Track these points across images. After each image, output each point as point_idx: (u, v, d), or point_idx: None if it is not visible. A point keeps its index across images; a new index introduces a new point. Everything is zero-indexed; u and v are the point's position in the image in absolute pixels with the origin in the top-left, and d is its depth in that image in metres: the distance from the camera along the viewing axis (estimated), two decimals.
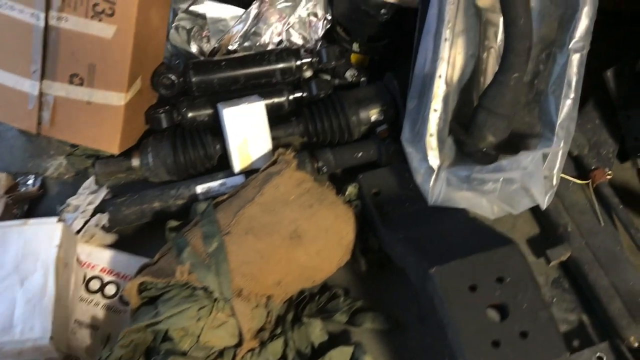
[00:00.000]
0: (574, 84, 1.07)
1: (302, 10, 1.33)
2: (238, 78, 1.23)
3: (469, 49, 1.15)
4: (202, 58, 1.30)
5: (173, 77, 1.21)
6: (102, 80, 1.12)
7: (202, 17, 1.28)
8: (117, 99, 1.13)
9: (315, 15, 1.34)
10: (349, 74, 1.31)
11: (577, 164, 1.23)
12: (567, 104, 1.07)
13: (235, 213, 1.04)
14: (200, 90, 1.23)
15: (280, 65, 1.25)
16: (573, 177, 1.21)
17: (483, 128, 1.09)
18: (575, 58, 1.06)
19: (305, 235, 1.04)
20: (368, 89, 1.28)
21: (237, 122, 1.17)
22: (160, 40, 1.23)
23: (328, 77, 1.31)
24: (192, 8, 1.27)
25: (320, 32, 1.34)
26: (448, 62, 1.08)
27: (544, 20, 1.12)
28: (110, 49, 1.10)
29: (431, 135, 1.09)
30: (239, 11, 1.28)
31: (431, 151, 1.09)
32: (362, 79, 1.33)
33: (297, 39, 1.33)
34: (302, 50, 1.30)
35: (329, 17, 1.33)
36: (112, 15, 1.08)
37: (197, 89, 1.23)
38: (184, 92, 1.24)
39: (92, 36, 1.09)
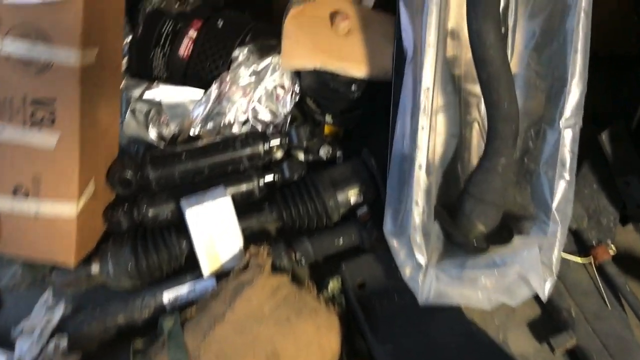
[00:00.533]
0: (568, 163, 0.97)
1: (268, 83, 1.23)
2: (201, 169, 1.13)
3: (449, 129, 1.06)
4: (162, 145, 1.20)
5: (130, 175, 1.11)
6: (50, 191, 1.01)
7: (159, 103, 1.17)
8: (69, 209, 1.02)
9: (283, 87, 1.23)
10: (324, 152, 1.20)
11: (576, 238, 1.13)
12: (562, 186, 0.97)
13: (205, 334, 0.94)
14: (161, 185, 1.12)
15: (247, 151, 1.14)
16: (573, 253, 1.11)
17: (472, 217, 0.99)
18: (568, 135, 0.97)
19: (284, 354, 0.94)
20: (344, 167, 1.18)
21: (202, 222, 1.06)
22: (113, 137, 1.12)
23: (301, 156, 1.21)
24: (147, 95, 1.16)
25: (289, 106, 1.24)
26: (427, 149, 0.98)
27: (530, 94, 1.02)
28: (55, 157, 0.99)
29: (415, 229, 0.99)
30: (198, 93, 1.18)
31: (416, 247, 0.99)
32: (338, 153, 1.23)
33: (264, 115, 1.23)
34: (269, 131, 1.20)
35: (297, 90, 1.23)
36: (53, 122, 0.97)
37: (157, 185, 1.12)
38: (143, 186, 1.14)
39: (33, 146, 0.98)
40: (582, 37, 0.93)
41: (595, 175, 1.18)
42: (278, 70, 1.22)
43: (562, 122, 0.96)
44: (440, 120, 1.04)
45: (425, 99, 0.95)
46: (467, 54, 1.05)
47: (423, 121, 0.96)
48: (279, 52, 1.20)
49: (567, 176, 0.97)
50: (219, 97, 1.18)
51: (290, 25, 1.09)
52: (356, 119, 1.24)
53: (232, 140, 1.14)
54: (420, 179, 0.97)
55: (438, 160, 1.04)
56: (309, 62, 1.10)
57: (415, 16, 1.03)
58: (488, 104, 0.93)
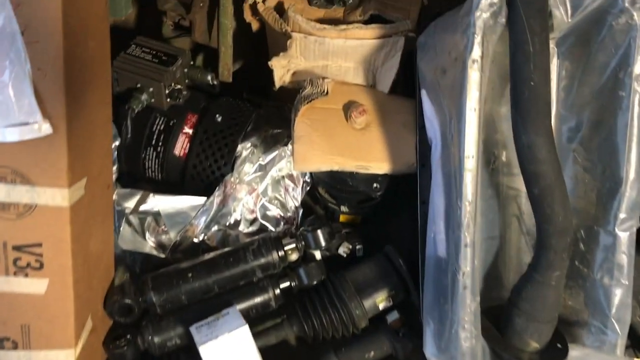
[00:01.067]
0: (625, 268, 0.87)
1: (274, 173, 1.11)
2: (210, 287, 1.00)
3: (489, 230, 0.95)
4: (162, 255, 1.07)
5: (130, 301, 0.98)
6: (42, 341, 0.88)
7: (156, 212, 1.04)
8: (65, 357, 0.89)
9: (291, 178, 1.11)
10: (343, 250, 1.09)
11: (630, 333, 1.03)
12: (620, 292, 0.87)
13: None
14: (166, 309, 1.00)
15: (261, 261, 1.02)
16: (627, 348, 1.01)
17: (524, 335, 0.88)
18: (624, 239, 0.87)
19: None
20: (369, 269, 1.06)
21: (219, 357, 0.94)
22: (107, 262, 0.99)
23: (318, 255, 1.09)
24: (143, 208, 1.03)
25: (300, 198, 1.12)
26: (473, 270, 0.87)
27: (578, 192, 0.92)
28: (46, 304, 0.86)
29: (463, 355, 0.88)
30: (199, 200, 1.05)
31: None
32: (358, 246, 1.11)
33: (273, 211, 1.11)
34: (281, 228, 1.08)
35: (308, 179, 1.11)
36: (41, 267, 0.84)
37: (162, 308, 1.00)
38: (146, 309, 1.01)
39: (19, 294, 0.85)
40: (637, 132, 0.83)
41: None
42: (285, 158, 1.10)
43: (617, 225, 0.86)
44: (479, 223, 0.92)
45: (468, 215, 0.83)
46: (502, 149, 0.95)
47: (466, 239, 0.84)
48: (286, 142, 1.08)
49: (624, 281, 0.87)
50: (224, 200, 1.06)
51: (302, 125, 0.97)
52: (375, 207, 1.12)
53: (242, 251, 1.01)
54: (467, 300, 0.86)
55: (478, 269, 0.93)
56: (326, 165, 0.98)
57: (442, 103, 0.92)
58: (540, 218, 0.82)
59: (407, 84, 1.05)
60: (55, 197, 0.80)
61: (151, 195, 1.03)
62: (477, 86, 0.79)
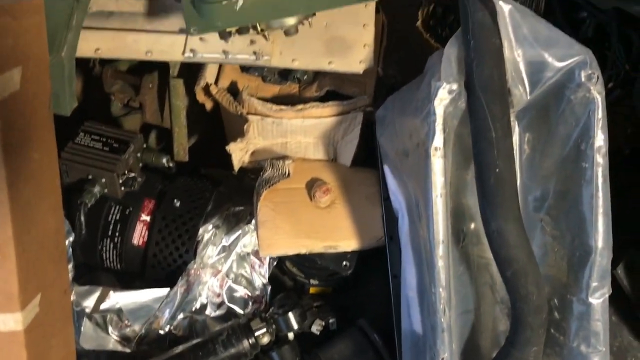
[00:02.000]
0: (601, 335, 0.86)
1: (239, 249, 1.07)
2: None
3: (463, 304, 0.93)
4: (126, 349, 1.02)
5: None
6: None
7: (118, 309, 0.99)
8: None
9: (257, 254, 1.08)
10: (316, 328, 1.05)
11: None
12: (597, 359, 0.87)
13: None
14: None
15: (232, 352, 0.98)
16: None
17: None
18: (598, 306, 0.86)
19: None
20: (344, 344, 1.03)
21: None
22: None
23: (290, 335, 1.05)
24: (103, 306, 0.98)
25: (267, 274, 1.09)
26: (451, 354, 0.85)
27: (549, 261, 0.91)
28: None
29: None
30: (162, 292, 1.00)
31: None
32: (331, 320, 1.08)
33: (241, 292, 1.07)
34: (249, 310, 1.05)
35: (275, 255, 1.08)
36: None
37: None
38: None
39: None
40: (602, 203, 0.83)
41: (612, 308, 1.08)
42: (249, 233, 1.06)
43: (590, 294, 0.85)
44: (454, 305, 0.91)
45: (443, 301, 0.82)
46: (470, 221, 0.94)
47: (443, 324, 0.82)
48: (249, 220, 1.05)
49: (601, 347, 0.86)
50: (188, 288, 1.02)
51: (265, 209, 0.94)
52: (346, 278, 1.10)
53: (211, 344, 0.97)
54: None
55: (456, 350, 0.91)
56: (292, 249, 0.95)
57: (406, 183, 0.91)
58: (515, 298, 0.81)
59: (367, 155, 1.03)
60: (8, 322, 0.75)
61: (111, 292, 0.98)
62: (442, 172, 0.78)
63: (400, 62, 1.29)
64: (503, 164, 0.76)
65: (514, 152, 0.84)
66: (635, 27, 1.10)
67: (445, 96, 0.76)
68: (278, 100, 1.01)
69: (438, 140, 0.77)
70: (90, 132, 1.03)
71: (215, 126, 1.15)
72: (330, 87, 0.99)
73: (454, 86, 0.77)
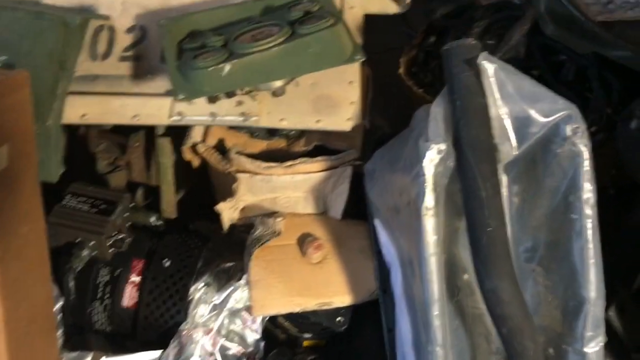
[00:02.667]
0: None
1: (231, 305, 1.06)
2: None
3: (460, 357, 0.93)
4: None
5: None
6: None
7: None
8: None
9: (249, 309, 1.07)
10: None
11: None
12: None
13: None
14: None
15: None
16: None
17: None
18: (593, 355, 0.85)
19: None
20: None
21: None
22: None
23: None
24: None
25: (260, 330, 1.07)
26: None
27: (543, 311, 0.91)
28: None
29: None
30: (154, 355, 0.99)
31: None
32: None
33: (234, 349, 1.05)
34: None
35: None
36: None
37: None
38: None
39: None
40: (593, 254, 0.83)
41: (610, 352, 1.08)
42: (240, 289, 1.05)
43: (585, 344, 0.85)
44: (449, 354, 0.90)
45: (439, 359, 0.81)
46: (462, 273, 0.94)
47: None
48: (239, 276, 1.04)
49: None
50: (180, 350, 1.00)
51: (257, 268, 0.93)
52: (340, 329, 1.09)
53: None
54: None
55: None
56: (286, 308, 0.94)
57: (399, 239, 0.91)
58: (512, 353, 0.80)
59: (358, 207, 1.03)
60: None
61: (103, 357, 0.96)
62: (434, 231, 0.78)
63: (386, 110, 1.31)
64: (494, 223, 0.76)
65: (503, 203, 0.85)
66: (615, 71, 1.13)
67: (434, 156, 0.77)
68: (266, 155, 1.01)
69: (429, 200, 0.78)
70: (77, 193, 1.02)
71: (203, 178, 1.14)
72: (319, 142, 0.99)
73: (442, 146, 0.78)
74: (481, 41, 1.16)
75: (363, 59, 0.88)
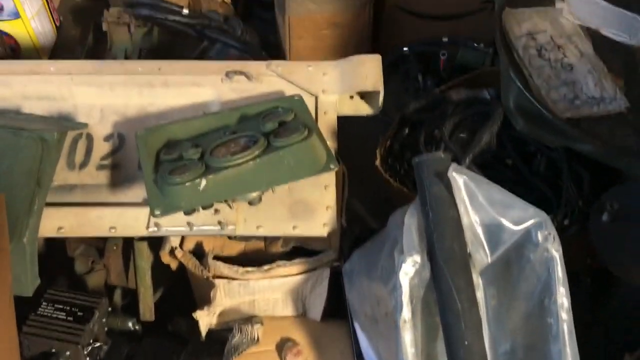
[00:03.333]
0: None
1: None
2: None
3: None
4: None
5: None
6: None
7: None
8: None
9: None
10: None
11: None
12: None
13: None
14: None
15: None
16: None
17: None
18: None
19: None
20: None
21: None
22: None
23: None
24: None
25: None
26: None
27: None
28: None
29: None
30: None
31: None
32: None
33: None
34: None
35: None
36: None
37: None
38: None
39: None
40: (570, 356, 0.83)
41: None
42: None
43: None
44: None
45: None
46: None
47: None
48: None
49: None
50: None
51: None
52: None
53: None
54: None
55: None
56: None
57: (378, 345, 0.90)
58: None
59: (337, 307, 1.03)
60: None
61: None
62: (412, 343, 0.78)
63: (365, 202, 1.32)
64: (471, 336, 0.76)
65: (480, 306, 0.85)
66: (585, 163, 1.16)
67: (409, 270, 0.78)
68: (244, 257, 1.01)
69: (406, 313, 0.78)
70: (53, 300, 1.01)
71: (181, 278, 1.13)
72: (296, 243, 1.00)
73: (417, 258, 0.79)
74: (453, 136, 1.20)
75: (337, 168, 0.90)
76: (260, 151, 0.86)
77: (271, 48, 1.71)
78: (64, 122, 0.99)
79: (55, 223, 0.91)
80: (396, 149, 1.31)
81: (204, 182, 0.83)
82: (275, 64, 1.08)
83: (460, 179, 0.82)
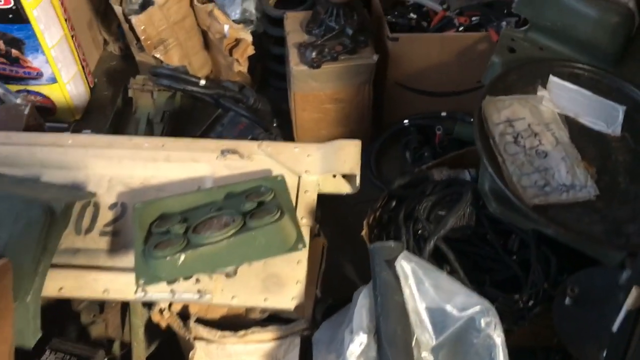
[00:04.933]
0: None
1: None
2: None
3: None
4: None
5: None
6: None
7: None
8: None
9: None
10: None
11: None
12: None
13: None
14: None
15: None
16: None
17: None
18: None
19: None
20: None
21: None
22: None
23: None
24: None
25: None
26: None
27: None
28: None
29: None
30: None
31: None
32: None
33: None
34: None
35: None
36: None
37: None
38: None
39: None
40: None
41: None
42: None
43: None
44: None
45: None
46: None
47: None
48: None
49: None
50: None
51: None
52: None
53: None
54: None
55: None
56: None
57: None
58: None
59: None
60: None
61: None
62: None
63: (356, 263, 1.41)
64: None
65: None
66: (555, 246, 1.22)
67: (355, 349, 0.86)
68: (226, 321, 1.11)
69: None
70: (56, 348, 1.13)
71: (174, 335, 1.24)
72: (272, 311, 1.09)
73: (364, 338, 0.87)
74: (432, 213, 1.28)
75: (305, 248, 1.00)
76: (235, 230, 0.96)
77: (283, 115, 1.85)
78: (75, 192, 1.13)
79: (57, 284, 1.03)
80: (384, 220, 1.40)
81: (182, 257, 0.94)
82: (266, 144, 1.19)
83: (408, 267, 0.90)
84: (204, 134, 1.71)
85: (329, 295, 1.15)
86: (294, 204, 1.10)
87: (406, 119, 1.71)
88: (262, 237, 0.96)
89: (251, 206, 1.02)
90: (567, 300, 1.10)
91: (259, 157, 1.18)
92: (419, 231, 1.26)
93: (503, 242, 1.27)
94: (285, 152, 1.18)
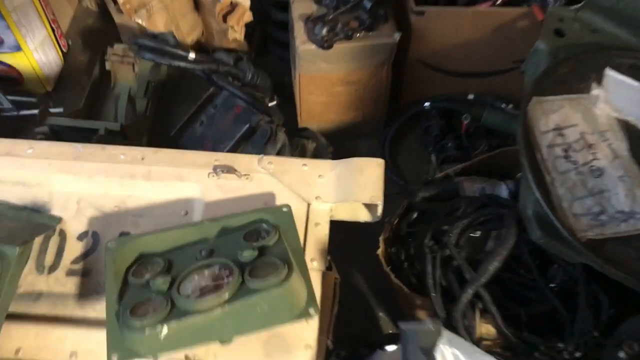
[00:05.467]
0: None
1: None
2: None
3: None
4: None
5: None
6: None
7: None
8: None
9: None
10: None
11: None
12: None
13: None
14: None
15: None
16: None
17: None
18: None
19: None
20: None
21: None
22: None
23: None
24: None
25: None
26: None
27: None
28: None
29: None
30: None
31: None
32: None
33: None
34: None
35: None
36: None
37: None
38: None
39: None
40: None
41: None
42: None
43: None
44: None
45: None
46: None
47: None
48: None
49: None
50: None
51: None
52: None
53: None
54: None
55: None
56: None
57: None
58: None
59: None
60: None
61: None
62: None
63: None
64: None
65: None
66: (606, 283, 1.04)
67: None
68: None
69: None
70: None
71: None
72: None
73: None
74: (463, 235, 1.09)
75: (317, 313, 0.81)
76: (231, 293, 0.77)
77: (285, 89, 1.61)
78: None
79: (13, 344, 0.84)
80: (404, 231, 1.21)
81: (165, 329, 0.75)
82: (267, 159, 0.98)
83: (450, 354, 0.72)
84: (195, 116, 1.49)
85: (340, 334, 0.98)
86: (302, 240, 0.91)
87: (427, 101, 1.49)
88: (264, 304, 0.77)
89: (251, 256, 0.82)
90: (622, 355, 0.93)
91: (259, 177, 0.97)
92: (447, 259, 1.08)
93: (541, 266, 1.09)
94: (291, 170, 0.98)
